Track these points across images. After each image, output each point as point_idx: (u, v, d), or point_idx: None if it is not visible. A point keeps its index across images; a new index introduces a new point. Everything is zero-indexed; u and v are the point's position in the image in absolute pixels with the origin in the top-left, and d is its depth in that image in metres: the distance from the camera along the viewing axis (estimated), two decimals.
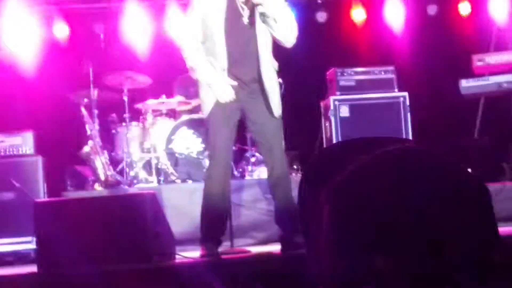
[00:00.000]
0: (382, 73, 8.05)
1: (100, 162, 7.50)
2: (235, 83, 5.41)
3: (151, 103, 8.06)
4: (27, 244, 6.67)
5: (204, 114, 5.58)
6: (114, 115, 8.15)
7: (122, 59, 9.06)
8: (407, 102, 7.82)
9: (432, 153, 1.08)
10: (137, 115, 8.17)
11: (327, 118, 7.88)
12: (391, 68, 8.11)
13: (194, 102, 8.07)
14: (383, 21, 9.90)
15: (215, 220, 5.54)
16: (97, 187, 7.51)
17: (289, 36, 5.50)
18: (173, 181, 7.66)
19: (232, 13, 5.44)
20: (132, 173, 7.78)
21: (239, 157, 7.83)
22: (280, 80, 5.75)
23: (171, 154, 7.72)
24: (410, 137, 7.66)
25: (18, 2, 8.97)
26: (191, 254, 5.61)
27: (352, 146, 1.21)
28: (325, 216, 1.09)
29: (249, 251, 5.97)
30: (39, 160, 7.20)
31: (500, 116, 8.90)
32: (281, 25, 5.40)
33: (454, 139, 8.37)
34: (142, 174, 7.85)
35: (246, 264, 5.14)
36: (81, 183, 7.95)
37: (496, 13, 9.44)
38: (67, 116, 8.27)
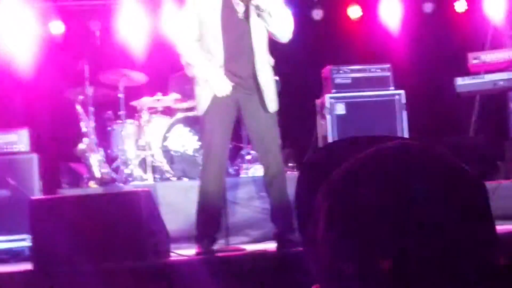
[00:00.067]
0: (378, 70, 8.05)
1: (95, 159, 7.50)
2: (230, 86, 5.42)
3: (146, 100, 8.06)
4: (21, 241, 6.66)
5: (199, 111, 5.57)
6: (109, 112, 8.14)
7: (118, 56, 9.06)
8: (403, 100, 7.82)
9: (431, 149, 1.07)
10: (132, 113, 8.16)
11: (323, 116, 7.87)
12: (387, 66, 8.10)
13: (189, 103, 8.05)
14: (379, 19, 9.90)
15: (211, 218, 5.54)
16: (92, 184, 7.50)
17: (285, 31, 5.50)
18: (169, 179, 7.66)
19: (227, 8, 5.44)
20: (127, 171, 7.77)
21: (234, 154, 7.83)
22: (277, 77, 5.76)
23: (166, 152, 7.71)
24: (406, 135, 7.66)
25: None
26: (186, 252, 5.61)
27: (352, 144, 1.20)
28: (322, 214, 1.08)
29: (244, 249, 5.97)
30: (34, 158, 7.19)
31: (495, 114, 8.91)
32: (276, 20, 5.40)
33: (450, 137, 8.37)
34: (138, 172, 7.84)
35: (241, 262, 5.14)
36: (76, 180, 7.94)
37: (492, 11, 9.44)
38: (63, 113, 8.27)
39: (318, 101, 8.19)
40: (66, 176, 8.03)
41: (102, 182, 7.40)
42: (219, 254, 5.54)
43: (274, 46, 5.70)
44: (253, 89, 5.47)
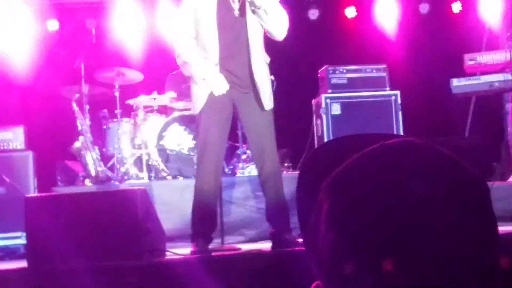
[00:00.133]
0: (374, 71, 8.06)
1: (91, 157, 7.49)
2: (228, 84, 5.42)
3: (142, 99, 8.05)
4: (16, 239, 6.65)
5: (195, 110, 5.57)
6: (105, 110, 8.14)
7: (114, 54, 9.05)
8: (399, 101, 7.82)
9: (434, 148, 1.07)
10: (128, 111, 8.15)
11: (319, 116, 7.88)
12: (383, 66, 8.11)
13: (185, 102, 8.04)
14: (375, 19, 9.91)
15: (206, 217, 5.54)
16: (88, 182, 7.49)
17: (280, 28, 5.51)
18: (164, 178, 7.66)
19: (223, 6, 5.45)
20: (122, 169, 7.76)
21: (230, 154, 7.83)
22: (272, 77, 5.76)
23: (162, 151, 7.71)
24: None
25: None
26: (181, 250, 5.60)
27: (352, 142, 1.20)
28: (323, 213, 1.08)
29: (239, 249, 5.97)
30: (30, 155, 7.19)
31: (491, 116, 8.92)
32: (271, 17, 5.41)
33: (445, 138, 8.38)
34: (133, 170, 7.83)
35: (236, 261, 5.13)
36: (71, 178, 7.93)
37: (487, 13, 9.46)
38: (58, 111, 8.26)
39: (314, 101, 8.20)
40: (62, 174, 8.02)
41: (97, 180, 7.39)
42: (215, 254, 5.54)
43: (270, 46, 5.71)
44: (249, 87, 5.48)
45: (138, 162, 7.90)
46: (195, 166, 6.67)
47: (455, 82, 7.96)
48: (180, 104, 8.10)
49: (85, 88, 7.86)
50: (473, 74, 8.10)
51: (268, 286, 4.83)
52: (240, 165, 7.72)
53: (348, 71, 8.06)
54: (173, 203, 6.85)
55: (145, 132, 7.89)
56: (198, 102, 5.50)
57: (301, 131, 8.53)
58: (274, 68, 5.74)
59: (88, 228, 5.17)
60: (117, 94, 7.98)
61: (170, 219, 6.49)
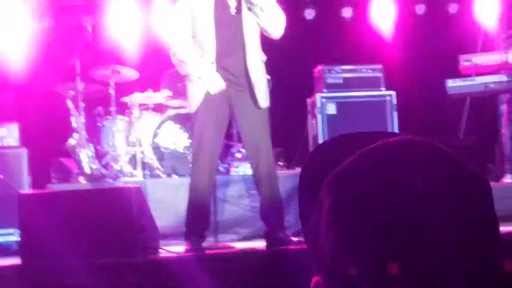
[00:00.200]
0: (370, 71, 8.06)
1: (85, 155, 7.47)
2: (224, 83, 5.42)
3: (137, 97, 8.04)
4: (10, 236, 6.63)
5: (192, 108, 5.57)
6: (100, 108, 8.12)
7: (110, 52, 9.03)
8: (394, 101, 7.82)
9: (436, 146, 1.06)
10: (123, 109, 8.14)
11: (314, 115, 7.87)
12: (378, 66, 8.11)
13: (180, 101, 8.03)
14: (371, 20, 9.91)
15: (200, 215, 5.54)
16: (82, 180, 7.48)
17: (276, 26, 5.51)
18: (158, 176, 7.64)
19: (220, 5, 5.45)
20: (117, 167, 7.75)
21: (225, 152, 7.82)
22: (269, 77, 5.76)
23: (156, 149, 7.70)
24: None
25: None
26: (175, 248, 5.60)
27: (352, 140, 1.19)
28: (325, 211, 1.07)
29: (233, 247, 5.97)
30: (24, 152, 7.17)
31: (485, 117, 8.93)
32: (268, 15, 5.41)
33: (440, 139, 8.36)
34: (127, 168, 7.82)
35: (230, 260, 5.13)
36: (65, 176, 7.91)
37: (483, 14, 9.46)
38: (53, 108, 8.24)
39: (309, 101, 8.19)
40: (56, 171, 8.00)
41: (91, 178, 7.38)
42: (208, 252, 5.54)
43: (266, 45, 5.71)
44: (245, 85, 5.48)
45: (133, 160, 7.88)
46: (190, 165, 6.67)
47: (451, 83, 7.97)
48: (175, 102, 8.10)
49: (80, 85, 7.85)
50: (469, 75, 8.10)
51: (262, 284, 4.83)
52: (235, 163, 7.71)
53: (344, 71, 8.06)
54: (167, 201, 6.84)
55: (140, 130, 7.87)
56: (194, 100, 5.50)
57: (296, 130, 8.53)
58: (270, 67, 5.74)
59: (82, 226, 5.16)
60: (112, 91, 7.97)
61: (164, 217, 6.49)
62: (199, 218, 5.54)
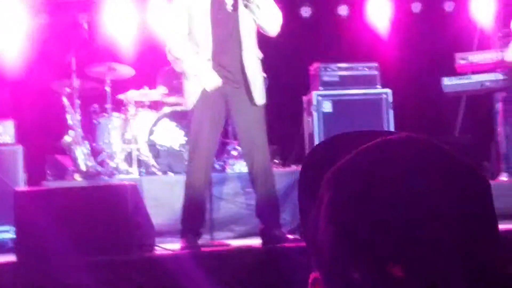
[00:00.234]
0: (366, 69, 8.06)
1: (81, 152, 7.47)
2: (220, 80, 5.42)
3: (133, 94, 8.03)
4: (5, 233, 6.62)
5: (188, 105, 5.57)
6: (96, 105, 8.11)
7: (106, 49, 9.02)
8: (390, 99, 7.82)
9: (437, 144, 1.06)
10: (119, 106, 8.13)
11: (310, 113, 7.87)
12: (374, 64, 8.11)
13: (176, 98, 8.03)
14: (367, 18, 9.91)
15: (196, 212, 5.54)
16: (77, 177, 7.47)
17: (273, 23, 5.52)
18: (154, 173, 7.64)
19: (216, 2, 5.45)
20: (113, 164, 7.74)
21: (221, 150, 7.81)
22: (264, 74, 5.76)
23: (152, 146, 7.69)
24: None
25: None
26: (170, 246, 5.60)
27: (352, 139, 1.18)
28: (324, 206, 1.07)
29: (229, 244, 5.97)
30: (20, 149, 7.16)
31: (481, 115, 8.94)
32: (264, 12, 5.42)
33: (436, 137, 8.37)
34: (123, 166, 7.81)
35: (226, 257, 5.14)
36: (61, 173, 7.90)
37: (479, 12, 9.47)
38: (49, 105, 8.22)
39: (305, 98, 8.19)
40: (51, 168, 7.99)
41: (87, 175, 7.38)
42: (204, 249, 5.54)
43: (262, 43, 5.71)
44: (241, 82, 5.48)
45: (128, 157, 7.88)
46: (186, 162, 6.66)
47: (446, 81, 7.98)
48: (171, 99, 8.09)
49: (76, 82, 7.84)
50: (464, 73, 8.12)
51: (257, 281, 4.83)
52: (230, 161, 7.71)
53: (340, 69, 8.06)
54: (163, 198, 6.84)
55: (135, 127, 7.87)
56: (191, 98, 5.50)
57: (291, 128, 8.53)
58: (266, 65, 5.74)
59: (77, 223, 5.16)
60: (108, 89, 7.96)
61: (160, 214, 6.48)
62: (195, 215, 5.54)
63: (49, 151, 8.10)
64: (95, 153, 7.88)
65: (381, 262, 1.00)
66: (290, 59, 9.19)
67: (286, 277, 4.74)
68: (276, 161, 8.05)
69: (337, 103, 7.81)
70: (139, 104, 8.14)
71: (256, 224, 5.91)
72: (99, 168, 7.64)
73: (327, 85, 7.94)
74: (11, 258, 5.33)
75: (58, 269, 4.85)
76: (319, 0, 10.02)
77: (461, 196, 1.03)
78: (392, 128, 7.73)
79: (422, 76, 9.27)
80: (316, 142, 7.56)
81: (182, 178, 5.96)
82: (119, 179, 7.28)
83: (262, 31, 5.57)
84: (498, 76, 7.79)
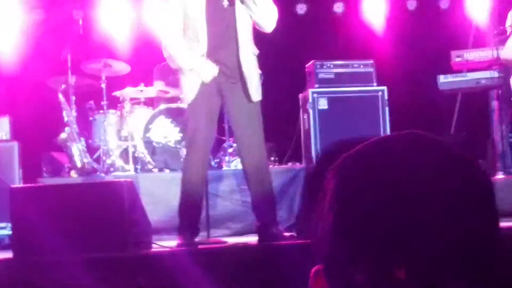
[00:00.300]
0: (361, 66, 8.05)
1: (77, 149, 7.46)
2: (217, 68, 5.42)
3: (129, 91, 8.03)
4: (2, 230, 6.61)
5: (185, 101, 5.58)
6: (91, 102, 8.10)
7: (101, 46, 9.01)
8: (386, 96, 7.82)
9: (440, 141, 1.06)
10: (115, 103, 8.12)
11: (306, 111, 7.87)
12: (370, 61, 8.11)
13: (172, 92, 8.05)
14: (363, 15, 9.92)
15: (193, 209, 5.53)
16: (73, 174, 7.46)
17: (269, 19, 5.52)
18: (150, 170, 7.64)
19: None
20: (108, 161, 7.74)
21: (217, 147, 7.81)
22: (259, 71, 5.76)
23: (148, 143, 7.68)
24: (387, 131, 7.68)
25: None
26: (167, 243, 5.60)
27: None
28: (327, 196, 1.07)
29: (226, 242, 5.97)
30: (15, 146, 7.16)
31: (477, 113, 8.96)
32: (260, 7, 5.42)
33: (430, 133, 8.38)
34: (119, 162, 7.81)
35: (223, 255, 5.14)
36: (57, 169, 7.90)
37: (475, 10, 9.48)
38: (44, 102, 8.21)
39: (301, 96, 8.19)
40: (47, 165, 7.98)
41: (83, 172, 7.37)
42: (201, 246, 5.54)
43: (258, 40, 5.70)
44: (237, 77, 5.48)
45: (124, 154, 7.88)
46: (182, 159, 6.66)
47: (442, 79, 7.99)
48: (168, 94, 8.09)
49: (71, 79, 7.82)
50: (460, 71, 8.13)
51: (254, 279, 4.83)
52: (227, 158, 7.71)
53: (336, 66, 8.05)
54: (159, 195, 6.84)
55: (131, 124, 7.86)
56: (187, 93, 5.49)
57: (287, 125, 8.53)
58: (261, 62, 5.74)
59: (74, 220, 5.15)
60: (103, 85, 7.94)
61: (156, 211, 6.48)
62: (192, 211, 5.54)
63: (45, 148, 8.09)
64: (91, 150, 7.88)
65: (383, 264, 1.00)
66: (286, 56, 9.19)
67: (282, 274, 4.74)
68: (272, 158, 8.05)
69: (333, 100, 7.81)
70: (135, 101, 8.14)
71: (253, 221, 5.91)
72: (95, 165, 7.64)
73: (323, 82, 7.94)
74: (7, 254, 5.32)
75: (54, 266, 4.84)
76: None
77: (464, 196, 1.03)
78: (387, 125, 7.74)
79: (418, 73, 9.28)
80: (312, 139, 7.57)
81: (178, 175, 5.96)
82: (115, 176, 7.27)
83: (258, 27, 5.57)
84: (493, 74, 7.80)
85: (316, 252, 1.10)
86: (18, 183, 6.86)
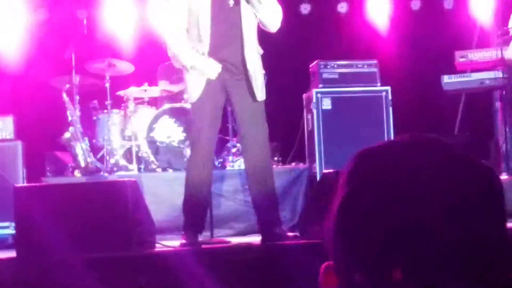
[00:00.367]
0: (365, 66, 8.05)
1: (81, 148, 7.46)
2: (220, 65, 5.42)
3: (133, 90, 8.03)
4: (5, 229, 6.62)
5: (189, 100, 5.58)
6: (95, 101, 8.11)
7: (105, 45, 9.01)
8: (390, 96, 7.81)
9: (444, 144, 1.06)
10: (118, 103, 8.13)
11: (309, 110, 7.87)
12: (374, 62, 8.10)
13: (176, 88, 8.06)
14: (367, 15, 9.91)
15: (197, 208, 5.53)
16: (77, 173, 7.47)
17: (274, 19, 5.53)
18: (154, 170, 7.64)
19: None
20: (112, 161, 7.74)
21: (220, 147, 7.82)
22: (263, 71, 5.76)
23: (152, 143, 7.69)
24: (391, 132, 7.68)
25: None
26: (170, 242, 5.60)
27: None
28: (334, 206, 1.08)
29: (229, 242, 5.97)
30: (19, 145, 7.16)
31: (480, 113, 8.94)
32: (265, 7, 5.42)
33: (435, 135, 8.38)
34: (123, 162, 7.81)
35: (226, 254, 5.14)
36: (60, 169, 7.91)
37: (479, 10, 9.47)
38: (48, 101, 8.22)
39: (305, 96, 8.19)
40: (51, 164, 7.99)
41: (87, 171, 7.37)
42: (204, 246, 5.54)
43: (262, 40, 5.70)
44: (242, 74, 5.48)
45: (128, 153, 7.88)
46: (185, 159, 6.66)
47: (446, 79, 7.98)
48: (172, 93, 8.10)
49: (75, 78, 7.83)
50: (464, 71, 8.12)
51: (257, 279, 4.83)
52: (230, 158, 7.71)
53: (339, 66, 8.05)
54: (163, 195, 6.85)
55: (135, 123, 7.87)
56: (192, 92, 5.50)
57: (291, 125, 8.52)
58: (265, 61, 5.74)
59: (77, 219, 5.15)
60: (107, 85, 7.96)
61: (160, 211, 6.49)
62: (196, 210, 5.54)
63: (49, 147, 8.10)
64: (94, 149, 7.89)
65: (383, 264, 1.00)
66: (290, 56, 9.18)
67: (286, 274, 4.74)
68: (276, 158, 8.05)
69: (337, 100, 7.80)
70: (139, 101, 8.15)
71: (256, 221, 5.90)
72: (99, 165, 7.65)
73: (327, 82, 7.94)
74: (11, 254, 5.33)
75: (58, 265, 4.84)
76: None
77: (464, 196, 1.03)
78: (391, 126, 7.73)
79: (422, 73, 9.27)
80: (316, 139, 7.57)
81: (181, 174, 5.96)
82: (119, 175, 7.28)
83: (262, 27, 5.57)
84: (497, 74, 7.79)
85: (325, 249, 1.11)
86: (21, 183, 6.87)
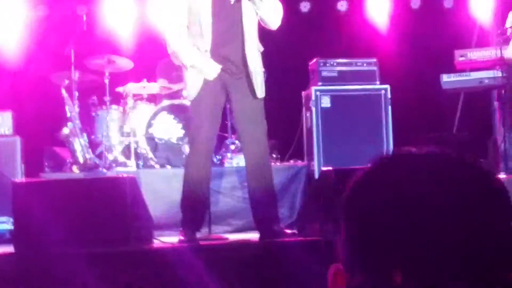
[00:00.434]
0: (365, 65, 8.05)
1: (79, 144, 7.46)
2: (219, 66, 5.42)
3: (132, 87, 8.03)
4: (3, 224, 6.62)
5: (188, 98, 5.58)
6: (94, 97, 8.11)
7: (105, 42, 9.01)
8: (389, 95, 7.82)
9: (446, 155, 1.07)
10: (117, 99, 8.13)
11: (308, 108, 7.87)
12: (373, 60, 8.10)
13: (176, 87, 8.05)
14: (366, 13, 9.91)
15: (195, 205, 5.54)
16: (75, 169, 7.47)
17: (274, 16, 5.53)
18: (152, 166, 7.64)
19: None
20: (111, 157, 7.74)
21: (219, 144, 7.81)
22: (263, 68, 5.76)
23: (150, 139, 7.69)
24: (390, 130, 7.68)
25: None
26: (168, 239, 5.61)
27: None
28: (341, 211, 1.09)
29: (227, 238, 5.97)
30: (18, 141, 7.16)
31: (479, 112, 8.95)
32: (266, 4, 5.42)
33: (433, 134, 8.40)
34: (121, 158, 7.81)
35: (224, 251, 5.14)
36: (59, 165, 7.90)
37: (479, 9, 9.47)
38: (47, 97, 8.22)
39: (304, 93, 8.19)
40: (49, 160, 7.99)
41: (85, 167, 7.37)
42: (202, 243, 5.54)
43: (261, 37, 5.71)
44: (242, 72, 5.49)
45: (127, 150, 7.88)
46: (184, 156, 6.66)
47: (445, 78, 7.98)
48: (171, 91, 8.09)
49: (74, 74, 7.83)
50: (463, 70, 8.12)
51: (255, 276, 4.83)
52: (228, 155, 7.71)
53: (339, 64, 8.05)
54: (161, 191, 6.85)
55: (134, 120, 7.86)
56: (191, 89, 5.50)
57: (290, 123, 8.52)
58: (264, 59, 5.74)
59: (76, 215, 5.16)
60: (106, 81, 7.95)
61: (158, 207, 6.49)
62: (194, 208, 5.54)
63: (47, 143, 8.10)
64: (93, 145, 7.88)
65: (383, 265, 1.01)
66: (289, 54, 9.18)
67: (283, 271, 4.75)
68: (274, 155, 8.05)
69: (336, 98, 7.81)
70: (138, 97, 8.14)
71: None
72: (97, 161, 7.64)
73: (326, 80, 7.94)
74: (9, 249, 5.33)
75: (56, 261, 4.85)
76: None
77: (464, 196, 1.04)
78: (390, 124, 7.73)
79: (421, 72, 9.26)
80: (315, 137, 7.57)
81: (180, 171, 5.96)
82: (117, 171, 7.28)
83: (263, 24, 5.57)
84: (497, 73, 7.79)
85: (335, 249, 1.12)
86: (20, 178, 6.87)
